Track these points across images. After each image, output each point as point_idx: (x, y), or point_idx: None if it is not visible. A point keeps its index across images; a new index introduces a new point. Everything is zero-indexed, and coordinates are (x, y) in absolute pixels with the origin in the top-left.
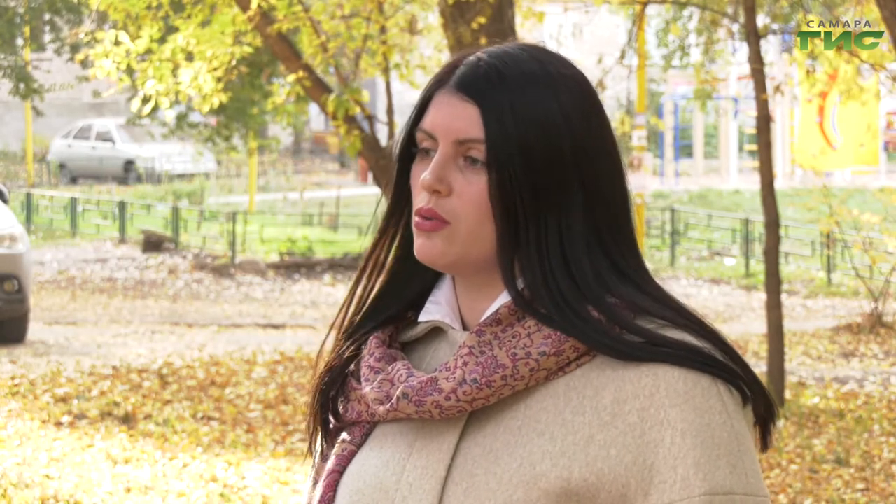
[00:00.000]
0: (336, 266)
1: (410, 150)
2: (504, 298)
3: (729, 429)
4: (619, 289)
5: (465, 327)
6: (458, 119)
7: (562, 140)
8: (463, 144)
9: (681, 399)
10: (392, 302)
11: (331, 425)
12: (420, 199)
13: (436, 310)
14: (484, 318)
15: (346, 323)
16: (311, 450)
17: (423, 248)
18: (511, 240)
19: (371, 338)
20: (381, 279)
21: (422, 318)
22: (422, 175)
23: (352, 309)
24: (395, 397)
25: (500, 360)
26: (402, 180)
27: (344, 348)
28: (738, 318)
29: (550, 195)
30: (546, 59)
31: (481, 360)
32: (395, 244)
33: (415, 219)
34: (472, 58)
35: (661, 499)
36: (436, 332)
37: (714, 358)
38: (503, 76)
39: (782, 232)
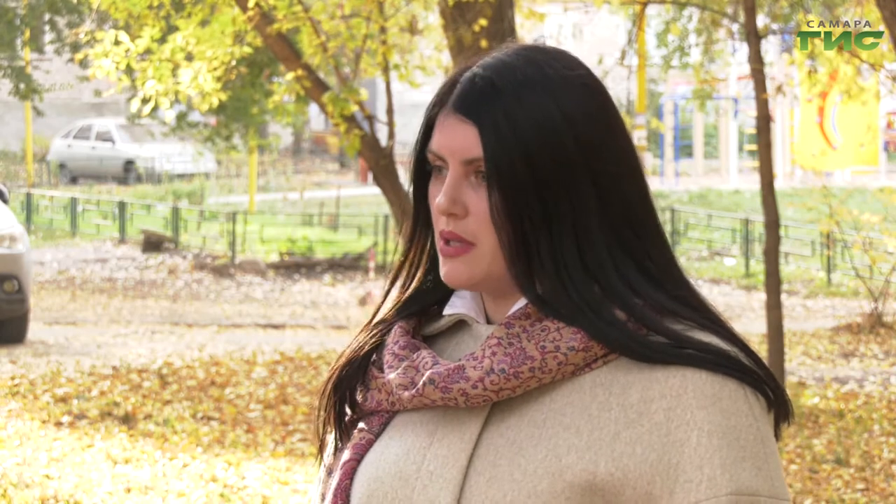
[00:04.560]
0: (336, 266)
1: (425, 168)
2: None
3: (755, 432)
4: (645, 289)
5: (489, 323)
6: (461, 140)
7: (565, 142)
8: (471, 164)
9: (708, 401)
10: (420, 300)
11: (347, 417)
12: (440, 223)
13: (461, 304)
14: (513, 310)
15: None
16: (322, 441)
17: (450, 273)
18: (521, 251)
19: (395, 326)
20: (413, 286)
21: (447, 311)
22: (437, 198)
23: (379, 315)
24: (421, 383)
25: (528, 352)
26: (419, 201)
27: (366, 340)
28: (738, 318)
29: (561, 200)
30: (544, 61)
31: (510, 351)
32: (423, 261)
33: (439, 244)
34: (468, 73)
35: (687, 498)
36: (459, 325)
37: (741, 362)
38: (499, 89)
39: (782, 232)
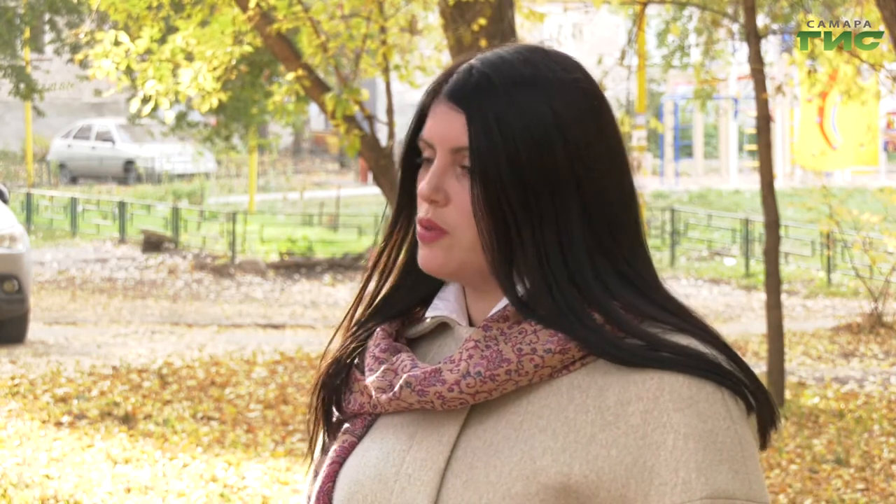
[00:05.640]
0: (336, 266)
1: (414, 159)
2: None
3: (732, 434)
4: (622, 294)
5: (472, 324)
6: (451, 128)
7: (553, 146)
8: (458, 153)
9: (685, 403)
10: (401, 300)
11: (334, 417)
12: (420, 209)
13: (444, 306)
14: (491, 314)
15: (353, 319)
16: (311, 441)
17: (425, 258)
18: (504, 248)
19: (378, 329)
20: (390, 280)
21: (429, 313)
22: (420, 184)
23: (359, 309)
24: (398, 386)
25: (505, 354)
26: (406, 188)
27: (350, 340)
28: (738, 318)
29: (545, 203)
30: (542, 63)
31: (486, 353)
32: (404, 249)
33: (417, 229)
34: (465, 65)
35: (662, 501)
36: (442, 327)
37: (719, 365)
38: (493, 83)
39: (782, 232)
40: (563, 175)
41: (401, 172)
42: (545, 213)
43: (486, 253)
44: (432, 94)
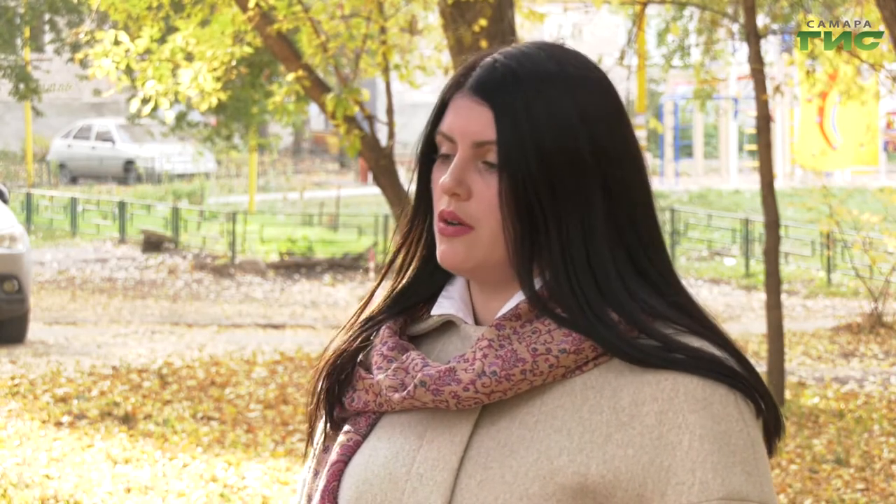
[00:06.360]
0: (336, 266)
1: (430, 155)
2: (522, 296)
3: (745, 437)
4: (640, 294)
5: (477, 323)
6: (474, 122)
7: (580, 142)
8: (481, 147)
9: (699, 405)
10: (414, 295)
11: (335, 413)
12: (441, 203)
13: (449, 304)
14: (503, 312)
15: (362, 314)
16: (310, 437)
17: (447, 254)
18: (528, 242)
19: (384, 327)
20: (408, 277)
21: (434, 311)
22: (441, 178)
23: (371, 307)
24: (412, 385)
25: (519, 354)
26: (422, 184)
27: (358, 334)
28: (738, 318)
29: (570, 197)
30: (565, 60)
31: (501, 353)
32: (420, 246)
33: (437, 224)
34: (488, 59)
35: (679, 500)
36: (446, 326)
37: (732, 368)
38: (518, 77)
39: (782, 232)
40: (588, 170)
41: (417, 168)
42: (570, 208)
43: (509, 247)
44: (453, 88)
